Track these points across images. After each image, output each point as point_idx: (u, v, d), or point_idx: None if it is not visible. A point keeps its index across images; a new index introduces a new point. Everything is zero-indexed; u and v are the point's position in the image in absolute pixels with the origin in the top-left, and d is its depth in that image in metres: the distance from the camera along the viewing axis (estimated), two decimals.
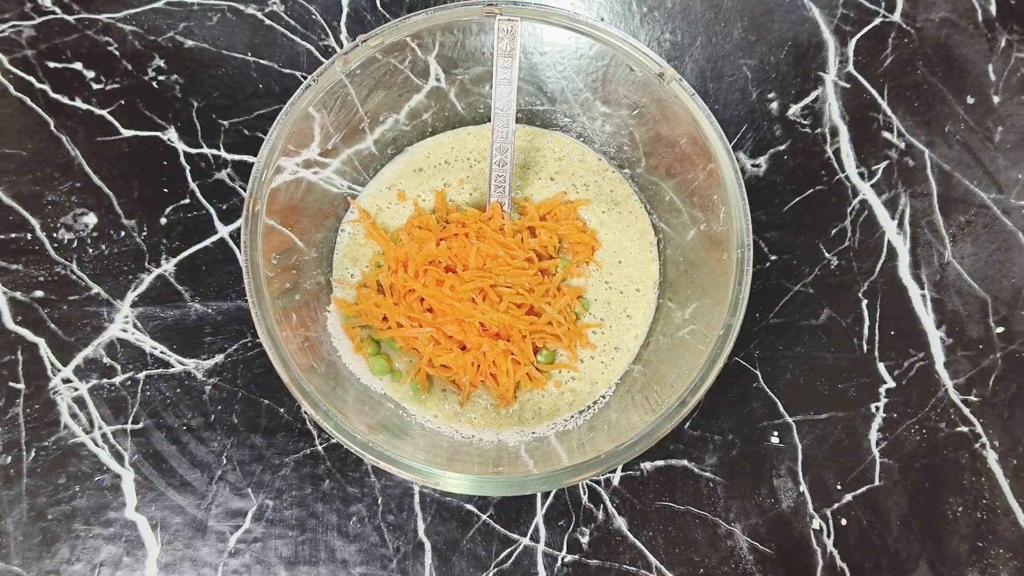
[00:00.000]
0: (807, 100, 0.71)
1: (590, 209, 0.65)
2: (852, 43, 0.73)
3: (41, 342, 0.65)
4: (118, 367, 0.64)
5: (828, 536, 0.63)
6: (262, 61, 0.71)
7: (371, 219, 0.64)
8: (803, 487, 0.64)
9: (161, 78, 0.70)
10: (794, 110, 0.71)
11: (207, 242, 0.67)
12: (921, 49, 0.73)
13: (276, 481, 0.62)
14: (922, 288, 0.68)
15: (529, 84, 0.63)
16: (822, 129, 0.71)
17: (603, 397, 0.62)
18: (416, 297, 0.60)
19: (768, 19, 0.73)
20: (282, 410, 0.64)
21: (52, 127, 0.69)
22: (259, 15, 0.72)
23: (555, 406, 0.61)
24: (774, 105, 0.71)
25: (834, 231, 0.69)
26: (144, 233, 0.67)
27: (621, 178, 0.66)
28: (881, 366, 0.66)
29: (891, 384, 0.66)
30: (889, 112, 0.71)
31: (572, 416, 0.61)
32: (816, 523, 0.63)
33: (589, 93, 0.62)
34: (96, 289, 0.66)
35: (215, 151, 0.69)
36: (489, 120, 0.60)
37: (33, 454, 0.63)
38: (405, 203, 0.65)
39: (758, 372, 0.66)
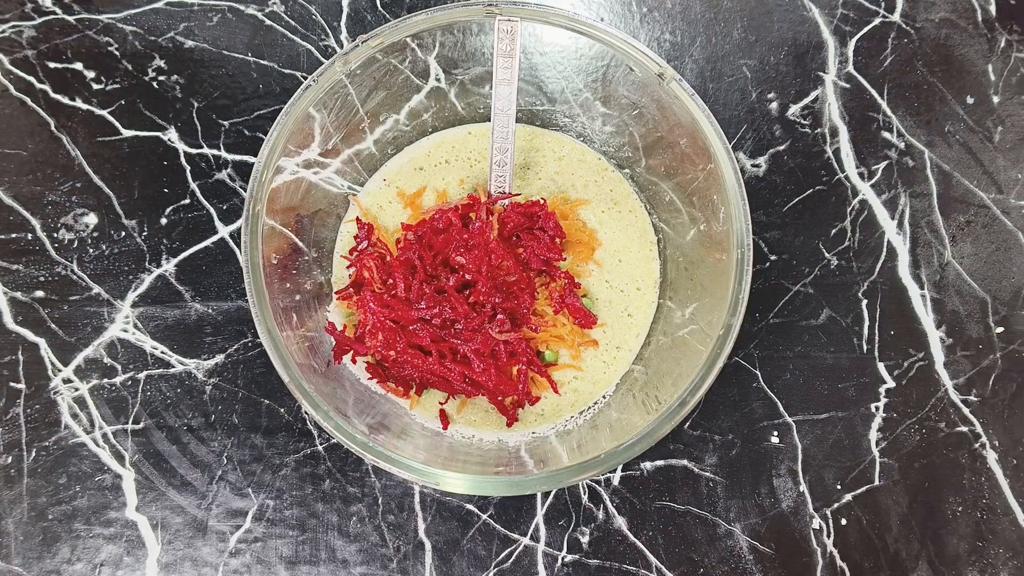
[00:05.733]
0: (807, 100, 0.71)
1: (590, 209, 0.65)
2: (852, 43, 0.73)
3: (42, 342, 0.65)
4: (119, 367, 0.64)
5: (828, 536, 0.63)
6: (262, 61, 0.71)
7: (373, 217, 0.64)
8: (803, 487, 0.64)
9: (161, 78, 0.70)
10: (794, 110, 0.71)
11: (207, 242, 0.67)
12: (921, 49, 0.73)
13: (276, 481, 0.63)
14: (922, 288, 0.68)
15: (529, 84, 0.63)
16: (822, 129, 0.71)
17: (603, 397, 0.62)
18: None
19: (768, 19, 0.73)
20: (282, 410, 0.64)
21: (53, 127, 0.69)
22: (259, 15, 0.72)
23: (557, 406, 0.61)
24: (774, 105, 0.71)
25: (834, 231, 0.69)
26: (144, 233, 0.67)
27: (621, 178, 0.66)
28: (881, 366, 0.66)
29: (891, 384, 0.66)
30: (889, 112, 0.71)
31: (572, 416, 0.61)
32: (816, 523, 0.63)
33: (589, 93, 0.62)
34: (96, 289, 0.66)
35: (215, 151, 0.69)
36: (489, 120, 0.60)
37: (34, 454, 0.63)
38: (405, 203, 0.65)
39: (758, 372, 0.66)
